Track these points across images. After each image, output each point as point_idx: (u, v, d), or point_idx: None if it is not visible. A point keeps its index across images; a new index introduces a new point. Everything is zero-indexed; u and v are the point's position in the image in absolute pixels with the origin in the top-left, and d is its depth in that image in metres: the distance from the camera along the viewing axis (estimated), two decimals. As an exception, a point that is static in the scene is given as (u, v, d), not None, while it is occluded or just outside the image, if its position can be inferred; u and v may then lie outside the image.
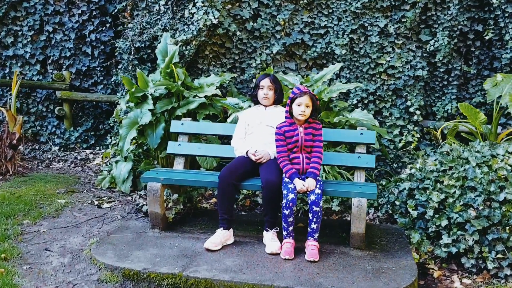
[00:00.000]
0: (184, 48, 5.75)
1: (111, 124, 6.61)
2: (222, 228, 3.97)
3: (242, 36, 5.94)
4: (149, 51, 6.16)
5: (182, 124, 4.66)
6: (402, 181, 4.75)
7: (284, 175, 3.91)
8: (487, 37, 5.69)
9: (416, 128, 5.85)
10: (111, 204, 4.93)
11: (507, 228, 3.88)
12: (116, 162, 5.29)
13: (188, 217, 4.59)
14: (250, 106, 4.98)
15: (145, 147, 5.62)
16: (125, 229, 4.31)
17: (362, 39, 5.92)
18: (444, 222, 4.08)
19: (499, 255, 3.85)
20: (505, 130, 5.35)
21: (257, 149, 4.14)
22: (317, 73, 5.54)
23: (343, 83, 5.48)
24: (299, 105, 3.86)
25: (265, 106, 4.35)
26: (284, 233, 3.85)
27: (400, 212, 4.65)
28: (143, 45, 6.12)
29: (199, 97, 5.25)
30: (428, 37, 5.86)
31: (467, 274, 3.96)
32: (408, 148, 5.71)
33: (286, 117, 3.98)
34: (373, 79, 5.95)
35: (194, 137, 5.03)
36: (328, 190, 3.89)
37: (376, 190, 3.91)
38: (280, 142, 3.94)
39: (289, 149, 3.94)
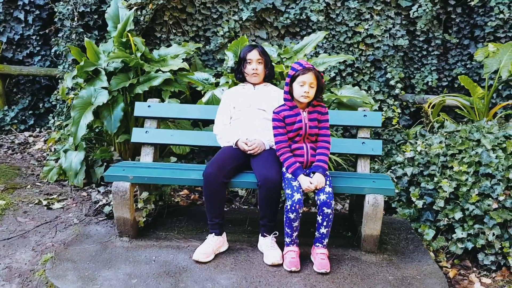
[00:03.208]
0: (139, 13, 4.69)
1: (53, 102, 5.44)
2: (213, 234, 3.12)
3: (206, -1, 4.95)
4: (96, 16, 5.05)
5: (149, 106, 3.67)
6: (399, 165, 4.05)
7: (284, 169, 3.08)
8: (472, 3, 5.02)
9: (396, 103, 5.17)
10: (63, 203, 3.89)
11: (530, 220, 3.28)
12: (65, 151, 4.22)
13: (161, 219, 3.67)
14: (227, 82, 4.07)
15: (97, 130, 4.57)
16: (85, 238, 3.34)
17: (339, 4, 5.09)
18: (458, 215, 3.43)
19: (521, 250, 3.27)
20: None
21: (248, 137, 3.27)
22: (297, 42, 4.68)
23: (329, 55, 4.64)
24: (301, 85, 3.00)
25: (254, 85, 3.46)
26: (287, 239, 3.05)
27: (399, 201, 3.97)
28: (88, 9, 4.99)
29: (163, 72, 4.25)
30: (408, 2, 5.12)
31: (484, 272, 3.35)
32: (397, 126, 5.01)
33: (285, 99, 3.12)
34: (351, 49, 5.17)
35: (162, 121, 4.06)
36: (336, 186, 3.10)
37: (393, 184, 3.17)
38: (279, 129, 3.08)
39: (290, 138, 3.10)
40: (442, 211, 3.55)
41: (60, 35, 5.14)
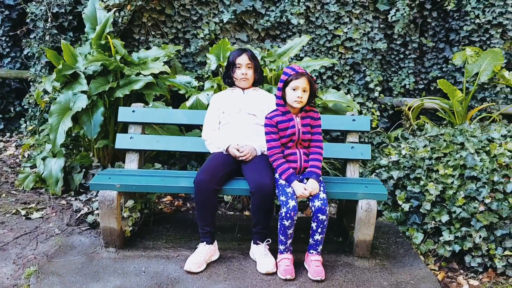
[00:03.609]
0: (117, 14, 4.53)
1: (25, 106, 5.20)
2: (205, 242, 3.02)
3: (185, 1, 4.82)
4: (71, 17, 4.87)
5: (133, 111, 3.53)
6: (384, 168, 4.05)
7: (277, 176, 3.01)
8: (448, 8, 5.08)
9: (375, 106, 5.18)
10: (42, 212, 3.71)
11: (515, 221, 3.33)
12: (44, 158, 4.03)
13: (147, 227, 3.54)
14: (212, 86, 3.97)
15: (73, 135, 4.38)
16: (69, 249, 3.19)
17: (318, 7, 5.07)
18: (445, 218, 3.44)
19: (507, 252, 3.30)
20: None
21: (238, 143, 3.18)
22: (278, 45, 4.62)
23: (310, 58, 4.60)
24: (294, 90, 2.95)
25: (243, 89, 3.38)
26: (281, 247, 2.98)
27: (385, 204, 3.96)
28: (62, 10, 4.80)
29: (144, 75, 4.11)
30: (385, 6, 5.15)
31: (472, 274, 3.37)
32: (379, 129, 5.02)
33: (277, 104, 3.05)
34: (330, 52, 5.16)
35: (147, 126, 3.92)
36: (328, 192, 3.04)
37: (385, 188, 3.15)
38: (272, 135, 3.01)
39: (283, 143, 3.03)
40: (428, 214, 3.56)
41: (32, 36, 4.92)
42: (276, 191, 2.96)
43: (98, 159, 4.28)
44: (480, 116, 4.70)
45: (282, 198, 2.89)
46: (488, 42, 5.07)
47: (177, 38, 4.94)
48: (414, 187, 3.69)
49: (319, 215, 2.88)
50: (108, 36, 4.15)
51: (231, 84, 3.40)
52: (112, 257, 3.08)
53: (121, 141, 3.48)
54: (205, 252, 2.99)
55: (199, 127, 4.12)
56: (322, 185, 2.98)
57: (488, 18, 4.99)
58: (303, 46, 5.05)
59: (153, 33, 4.84)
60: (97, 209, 3.42)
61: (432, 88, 5.37)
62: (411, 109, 4.84)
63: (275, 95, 3.51)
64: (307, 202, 2.98)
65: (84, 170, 4.14)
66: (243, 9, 4.90)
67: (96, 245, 3.22)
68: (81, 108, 3.78)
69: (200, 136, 3.44)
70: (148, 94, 4.04)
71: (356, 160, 3.49)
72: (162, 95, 4.40)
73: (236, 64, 3.31)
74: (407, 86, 5.28)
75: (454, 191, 3.49)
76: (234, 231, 3.52)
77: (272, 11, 5.00)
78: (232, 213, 4.01)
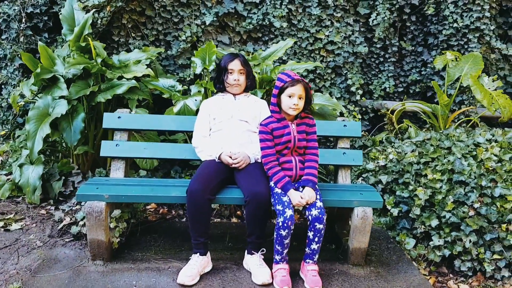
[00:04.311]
0: (96, 15, 4.35)
1: (-3, 110, 4.94)
2: (198, 254, 2.89)
3: (166, 2, 4.67)
4: (46, 18, 4.64)
5: (119, 117, 3.37)
6: (371, 172, 4.01)
7: (272, 184, 2.92)
8: (428, 12, 5.10)
9: (356, 109, 5.16)
10: (21, 223, 3.50)
11: (503, 226, 3.33)
12: (21, 165, 3.81)
13: (134, 238, 3.39)
14: (199, 91, 3.84)
15: (50, 140, 4.17)
16: (53, 263, 3.00)
17: (300, 10, 5.01)
18: (435, 222, 3.43)
19: (495, 256, 3.31)
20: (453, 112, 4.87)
21: (231, 150, 3.07)
22: (261, 48, 4.52)
23: (291, 60, 4.52)
24: (290, 97, 2.86)
25: (234, 95, 3.27)
26: (277, 257, 2.89)
27: (373, 208, 3.92)
28: (37, 10, 4.58)
29: (127, 79, 3.95)
30: (366, 10, 5.13)
31: (461, 278, 3.37)
32: (362, 133, 4.99)
33: (272, 111, 2.96)
34: (312, 55, 5.11)
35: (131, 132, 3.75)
36: (324, 200, 2.96)
37: (380, 195, 3.10)
38: (266, 142, 2.91)
39: (278, 151, 2.94)
40: (418, 219, 3.54)
41: (4, 37, 4.68)
42: (272, 200, 2.87)
43: (78, 166, 4.09)
44: (461, 120, 4.73)
45: (279, 207, 2.79)
46: (466, 46, 5.11)
47: (158, 40, 4.79)
48: (403, 192, 3.67)
49: (316, 224, 2.80)
50: (89, 38, 3.96)
51: (222, 89, 3.29)
52: (100, 271, 2.92)
53: (107, 148, 3.31)
54: (199, 264, 2.87)
55: (186, 132, 3.99)
56: (318, 193, 2.91)
57: (466, 23, 5.02)
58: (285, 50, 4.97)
59: (133, 35, 4.66)
60: (81, 219, 3.25)
61: (411, 91, 5.38)
62: (395, 112, 4.82)
63: (262, 98, 3.43)
64: (303, 211, 2.90)
65: (63, 177, 3.95)
66: (225, 11, 4.79)
67: (82, 258, 3.05)
68: (61, 114, 3.58)
69: (184, 141, 3.31)
70: (132, 99, 3.88)
71: (348, 166, 3.43)
72: (143, 99, 4.24)
73: (228, 70, 3.20)
74: (387, 89, 5.28)
75: (443, 196, 3.48)
76: (224, 240, 3.41)
77: (254, 13, 4.91)
78: (219, 220, 3.90)
